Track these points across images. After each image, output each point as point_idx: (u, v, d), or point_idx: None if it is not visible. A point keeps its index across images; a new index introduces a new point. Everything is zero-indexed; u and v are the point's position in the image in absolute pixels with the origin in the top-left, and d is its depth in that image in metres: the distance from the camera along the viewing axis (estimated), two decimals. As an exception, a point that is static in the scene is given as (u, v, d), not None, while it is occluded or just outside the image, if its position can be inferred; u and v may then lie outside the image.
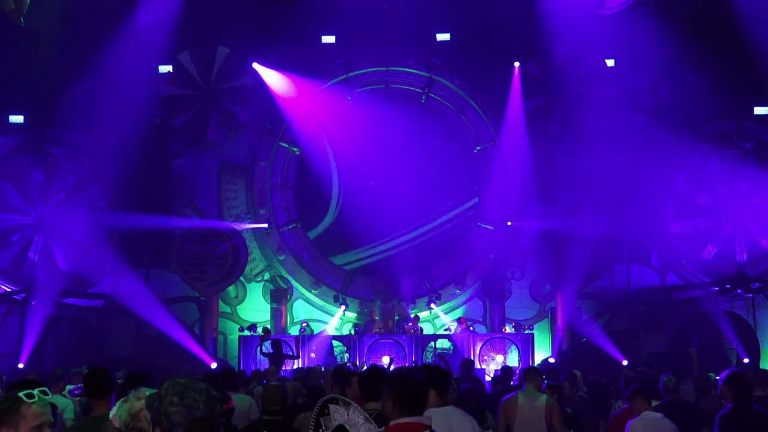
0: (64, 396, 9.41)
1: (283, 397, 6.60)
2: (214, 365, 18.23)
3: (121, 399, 3.58)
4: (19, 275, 20.15)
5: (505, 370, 12.37)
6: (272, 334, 19.67)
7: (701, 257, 20.90)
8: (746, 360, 17.40)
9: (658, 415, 7.46)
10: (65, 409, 9.14)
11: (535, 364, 19.14)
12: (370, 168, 21.63)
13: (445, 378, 6.19)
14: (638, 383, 8.53)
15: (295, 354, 18.56)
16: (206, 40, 20.53)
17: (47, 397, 3.60)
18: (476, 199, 22.23)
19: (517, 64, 21.06)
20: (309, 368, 15.21)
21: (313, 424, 3.49)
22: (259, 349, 18.63)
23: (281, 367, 17.21)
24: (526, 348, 19.72)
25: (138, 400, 3.43)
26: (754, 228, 20.70)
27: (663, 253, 21.20)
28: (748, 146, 20.75)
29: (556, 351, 19.89)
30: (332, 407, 3.56)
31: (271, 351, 17.89)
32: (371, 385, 5.72)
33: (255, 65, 20.92)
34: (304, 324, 20.82)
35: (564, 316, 20.48)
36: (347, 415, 3.49)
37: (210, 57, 20.60)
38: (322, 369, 14.27)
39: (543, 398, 8.67)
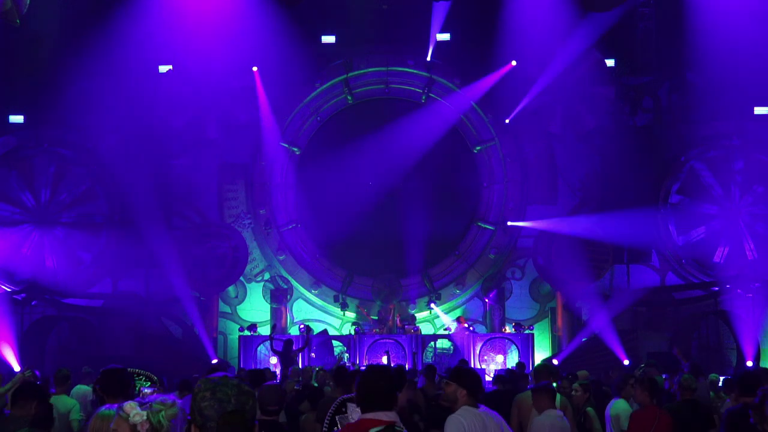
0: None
1: (280, 397, 6.61)
2: (215, 361, 18.25)
3: (142, 403, 3.59)
4: (19, 275, 20.11)
5: (512, 372, 12.40)
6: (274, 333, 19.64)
7: (698, 257, 20.95)
8: (749, 362, 17.35)
9: (559, 413, 7.47)
10: (72, 410, 9.07)
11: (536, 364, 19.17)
12: (370, 168, 21.67)
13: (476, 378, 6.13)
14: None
15: (302, 345, 18.49)
16: (206, 39, 20.48)
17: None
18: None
19: (514, 62, 21.03)
20: (303, 368, 15.18)
21: (327, 421, 3.48)
22: (270, 344, 18.61)
23: (292, 364, 17.20)
24: (526, 348, 19.73)
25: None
26: (753, 228, 20.73)
27: (663, 252, 21.21)
28: (748, 146, 20.77)
29: (559, 351, 19.90)
30: (350, 406, 3.55)
31: (280, 350, 17.87)
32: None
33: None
34: (302, 327, 20.77)
35: (564, 316, 20.52)
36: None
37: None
38: (315, 369, 14.17)
39: (557, 397, 8.61)
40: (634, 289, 20.81)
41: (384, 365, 5.04)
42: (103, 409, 4.06)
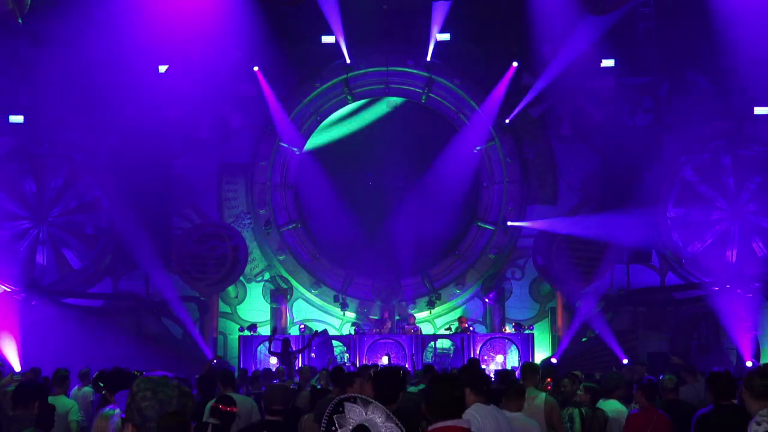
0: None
1: (285, 397, 6.61)
2: (214, 361, 18.21)
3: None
4: (19, 275, 20.09)
5: (503, 373, 12.39)
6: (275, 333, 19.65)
7: (698, 257, 20.91)
8: (749, 363, 17.34)
9: (519, 415, 7.38)
10: (70, 410, 9.07)
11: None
12: (371, 167, 21.70)
13: (482, 377, 6.13)
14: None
15: (302, 346, 18.51)
16: (206, 39, 20.47)
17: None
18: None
19: (515, 63, 21.01)
20: (300, 368, 15.17)
21: (325, 421, 3.48)
22: (268, 345, 18.62)
23: (293, 365, 17.21)
24: (526, 348, 19.74)
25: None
26: (753, 228, 20.69)
27: (663, 252, 21.19)
28: (747, 146, 20.73)
29: (558, 351, 19.90)
30: (348, 405, 3.54)
31: (279, 350, 17.86)
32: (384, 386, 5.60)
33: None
34: (302, 327, 20.78)
35: (564, 316, 20.50)
36: (366, 413, 3.47)
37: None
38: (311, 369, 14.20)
39: (542, 397, 8.58)
40: (634, 290, 20.82)
41: (451, 374, 5.09)
42: (107, 410, 4.10)
